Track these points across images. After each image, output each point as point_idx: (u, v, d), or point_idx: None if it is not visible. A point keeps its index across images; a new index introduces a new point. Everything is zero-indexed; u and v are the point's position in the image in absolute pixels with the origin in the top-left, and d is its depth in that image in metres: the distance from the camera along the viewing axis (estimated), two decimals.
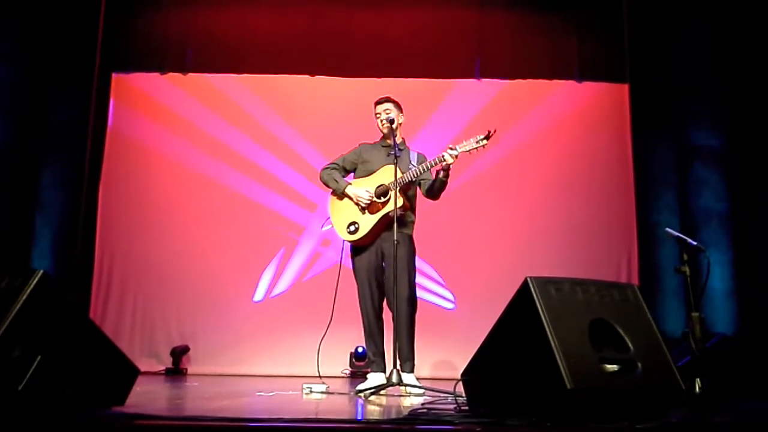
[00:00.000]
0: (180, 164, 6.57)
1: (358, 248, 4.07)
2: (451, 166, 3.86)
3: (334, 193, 4.16)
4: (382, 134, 4.22)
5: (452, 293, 6.33)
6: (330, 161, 4.25)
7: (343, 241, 4.09)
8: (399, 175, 3.87)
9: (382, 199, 3.95)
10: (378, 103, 4.19)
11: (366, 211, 4.00)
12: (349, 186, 4.08)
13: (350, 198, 4.05)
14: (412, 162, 4.09)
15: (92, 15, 6.44)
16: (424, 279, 6.17)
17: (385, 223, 3.89)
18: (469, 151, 3.85)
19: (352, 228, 4.00)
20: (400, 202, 3.90)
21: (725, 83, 5.97)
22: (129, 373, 2.58)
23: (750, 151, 5.80)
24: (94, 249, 6.38)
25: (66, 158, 6.29)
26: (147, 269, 6.37)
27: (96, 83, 6.46)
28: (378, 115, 4.16)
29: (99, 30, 6.47)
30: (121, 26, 6.66)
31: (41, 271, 2.31)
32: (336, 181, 4.13)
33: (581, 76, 6.63)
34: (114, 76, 6.69)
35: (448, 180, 3.97)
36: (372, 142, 4.28)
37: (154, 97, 6.68)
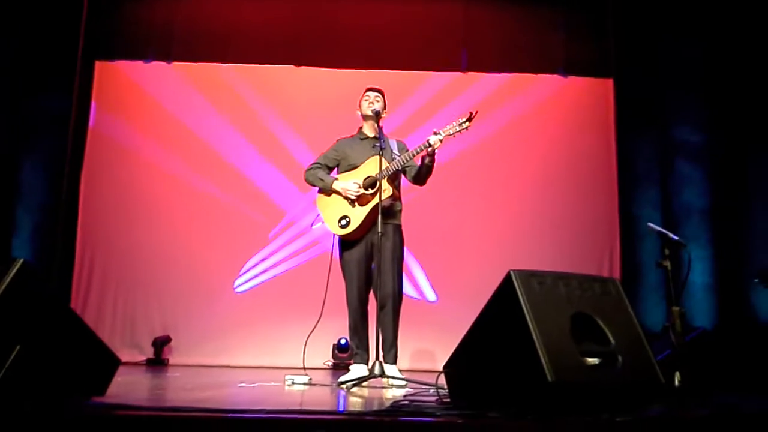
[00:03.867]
0: (163, 153, 6.52)
1: (347, 243, 4.06)
2: (436, 150, 3.86)
3: (321, 190, 4.14)
4: (361, 123, 4.22)
5: (435, 286, 6.34)
6: (311, 162, 4.25)
7: (334, 235, 4.08)
8: (385, 165, 3.87)
9: (371, 191, 3.94)
10: (373, 89, 4.19)
11: (356, 203, 4.00)
12: (336, 181, 4.07)
13: (338, 193, 4.04)
14: (394, 150, 4.09)
15: (76, 2, 6.35)
16: (407, 271, 6.17)
17: (375, 214, 3.85)
18: (453, 134, 3.86)
19: (344, 222, 3.99)
20: (390, 192, 3.91)
21: (709, 80, 6.02)
22: (110, 363, 2.56)
23: (731, 148, 5.86)
24: (76, 238, 6.32)
25: (48, 147, 6.21)
26: (129, 259, 6.32)
27: (79, 71, 6.38)
28: (367, 98, 4.14)
29: (82, 17, 6.39)
30: (105, 14, 6.58)
31: (21, 260, 2.28)
32: (321, 179, 4.11)
33: (566, 70, 6.65)
34: (97, 64, 6.61)
35: (434, 165, 3.97)
36: (349, 136, 4.27)
37: (138, 86, 6.61)
